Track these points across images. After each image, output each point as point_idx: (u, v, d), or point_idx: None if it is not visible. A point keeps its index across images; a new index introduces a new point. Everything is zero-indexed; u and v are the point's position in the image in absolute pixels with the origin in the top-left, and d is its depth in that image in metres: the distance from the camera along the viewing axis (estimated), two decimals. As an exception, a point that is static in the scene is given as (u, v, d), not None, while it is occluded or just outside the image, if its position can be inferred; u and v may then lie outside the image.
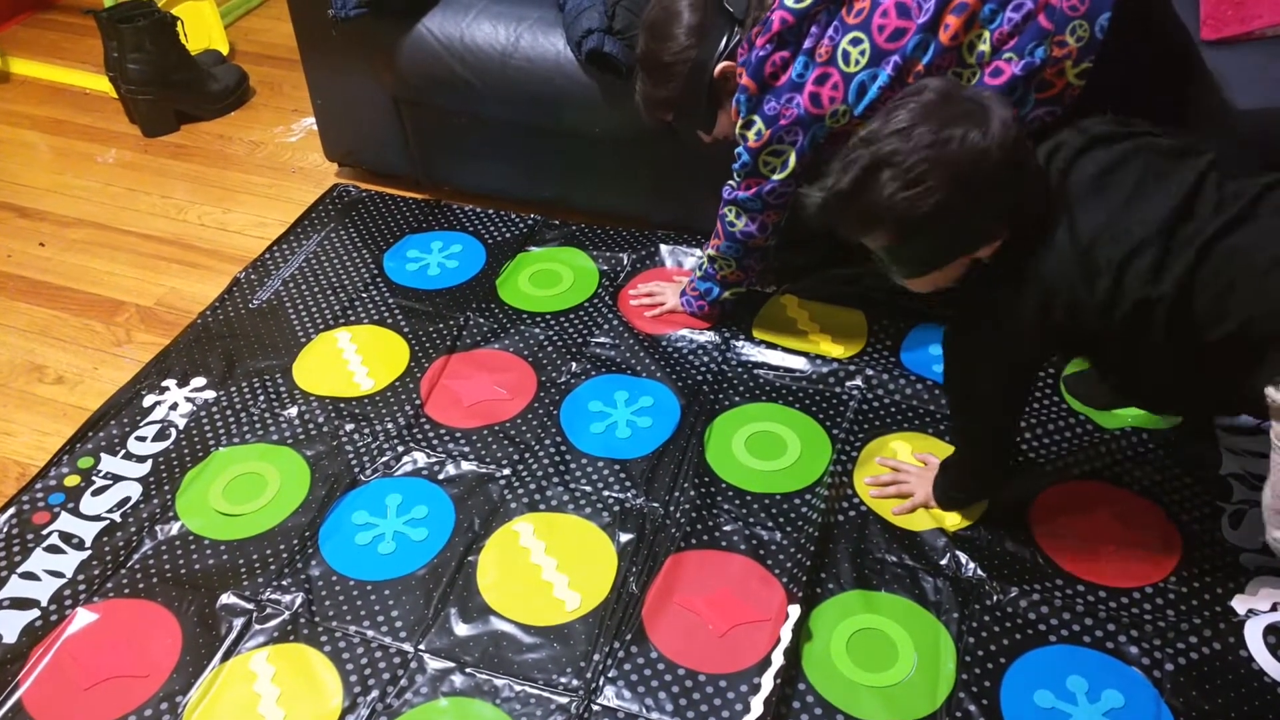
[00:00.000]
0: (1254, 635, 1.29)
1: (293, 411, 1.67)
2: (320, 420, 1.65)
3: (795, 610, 1.33)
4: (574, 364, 1.74)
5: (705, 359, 1.73)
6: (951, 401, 1.44)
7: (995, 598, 1.35)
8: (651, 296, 1.83)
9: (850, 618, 1.33)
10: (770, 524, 1.46)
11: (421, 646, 1.32)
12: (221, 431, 1.63)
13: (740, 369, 1.71)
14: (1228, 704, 1.23)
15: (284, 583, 1.40)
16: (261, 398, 1.69)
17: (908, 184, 1.09)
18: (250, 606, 1.37)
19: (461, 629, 1.34)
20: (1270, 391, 1.09)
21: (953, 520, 1.45)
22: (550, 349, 1.77)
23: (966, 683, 1.26)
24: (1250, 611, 1.32)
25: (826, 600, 1.35)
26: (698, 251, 1.92)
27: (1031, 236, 1.14)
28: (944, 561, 1.39)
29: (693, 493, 1.50)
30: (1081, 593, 1.36)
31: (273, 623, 1.35)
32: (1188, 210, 1.10)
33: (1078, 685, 1.25)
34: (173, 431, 1.64)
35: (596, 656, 1.30)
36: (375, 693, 1.27)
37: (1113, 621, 1.32)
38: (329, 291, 1.92)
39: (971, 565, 1.39)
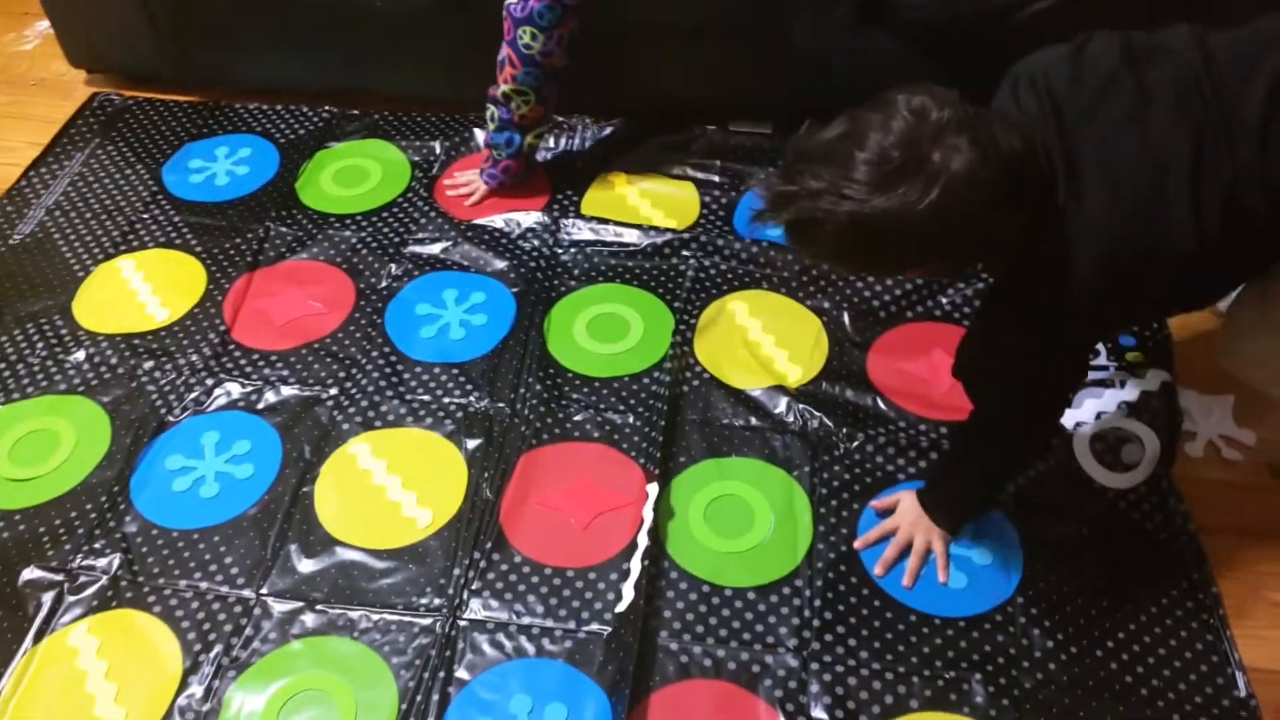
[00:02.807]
0: (1081, 446, 1.35)
1: (79, 355, 1.48)
2: (113, 361, 1.47)
3: (654, 489, 1.29)
4: (394, 266, 1.61)
5: (535, 243, 1.64)
6: (992, 400, 1.14)
7: (843, 447, 1.36)
8: (469, 185, 1.71)
9: (705, 487, 1.31)
10: (622, 407, 1.40)
11: (263, 591, 1.22)
12: (-4, 388, 1.44)
13: (573, 249, 1.62)
14: (1063, 513, 1.29)
15: (96, 545, 1.26)
16: (40, 344, 1.49)
17: (838, 249, 0.94)
18: (59, 578, 1.23)
19: (306, 565, 1.24)
20: None
21: (794, 378, 1.44)
22: (365, 253, 1.63)
23: (824, 533, 1.27)
24: (1077, 424, 1.37)
25: (681, 473, 1.33)
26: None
27: (1048, 208, 0.94)
28: (789, 419, 1.39)
29: (538, 387, 1.43)
30: (924, 431, 1.38)
31: (89, 591, 1.22)
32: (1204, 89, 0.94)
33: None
34: (-64, 396, 1.43)
35: (457, 571, 1.23)
36: (218, 648, 1.17)
37: (958, 455, 1.35)
38: (103, 216, 1.70)
39: (816, 418, 1.39)
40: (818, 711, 1.11)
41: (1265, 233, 0.96)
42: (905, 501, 1.26)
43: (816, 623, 1.19)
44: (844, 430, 1.37)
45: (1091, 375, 1.42)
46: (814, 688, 1.13)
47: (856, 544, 1.26)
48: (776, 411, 1.40)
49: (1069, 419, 1.37)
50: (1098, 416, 1.38)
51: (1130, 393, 1.39)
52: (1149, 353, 1.44)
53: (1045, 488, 1.31)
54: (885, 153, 0.87)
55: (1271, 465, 1.34)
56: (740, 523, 1.28)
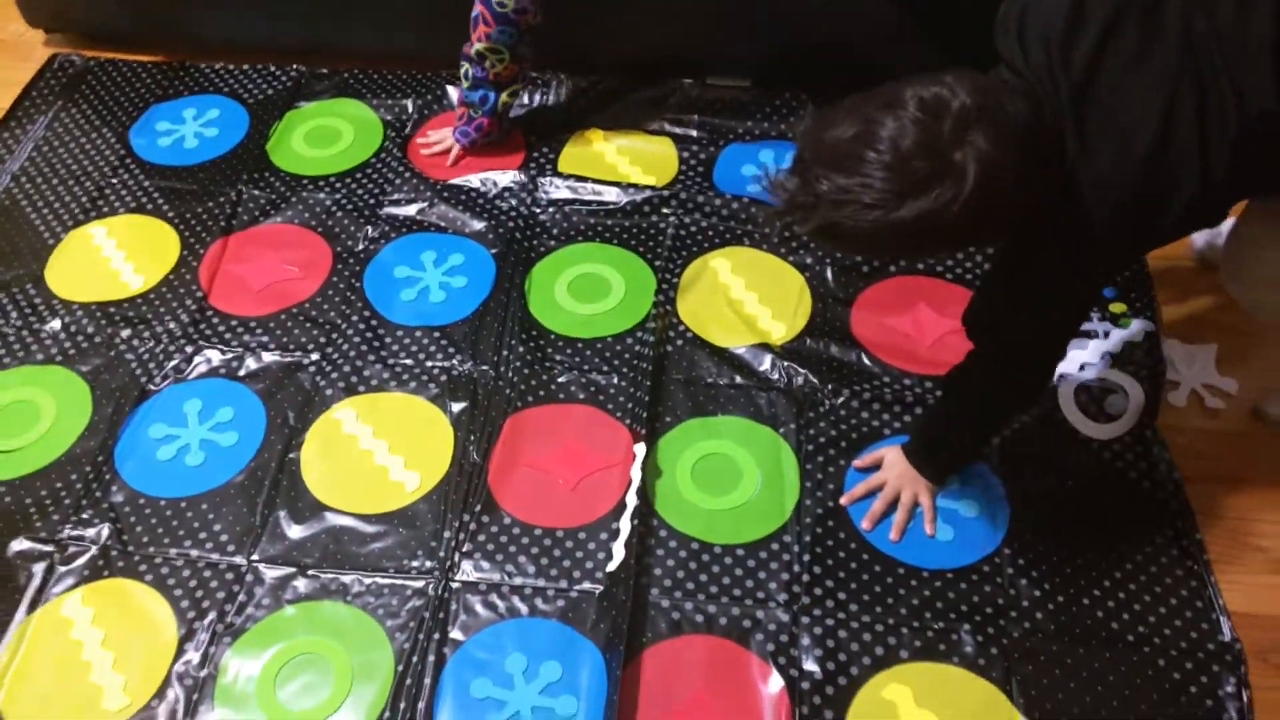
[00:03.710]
0: (1065, 398, 1.38)
1: (55, 325, 1.46)
2: (90, 330, 1.46)
3: (641, 449, 1.31)
4: (370, 228, 1.59)
5: (513, 203, 1.63)
6: (998, 349, 1.13)
7: (828, 403, 1.38)
8: (443, 143, 1.69)
9: (692, 446, 1.33)
10: (606, 368, 1.41)
11: (255, 557, 1.23)
12: (-28, 360, 1.42)
13: (551, 209, 1.62)
14: (1048, 465, 1.31)
15: (84, 516, 1.26)
16: (14, 314, 1.47)
17: (865, 248, 0.99)
18: (49, 549, 1.23)
19: (295, 531, 1.25)
20: None
21: (778, 335, 1.45)
22: (341, 215, 1.61)
23: (811, 489, 1.29)
24: (1061, 376, 1.39)
25: (667, 433, 1.34)
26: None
27: (1059, 164, 0.94)
28: (774, 376, 1.40)
29: (521, 349, 1.43)
30: (909, 386, 1.40)
31: (80, 561, 1.22)
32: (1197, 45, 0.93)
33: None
34: (-90, 369, 1.41)
35: (447, 534, 1.24)
36: (212, 615, 1.18)
37: (942, 408, 1.37)
38: (71, 182, 1.66)
39: (801, 375, 1.40)
40: (809, 664, 1.14)
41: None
42: (890, 456, 1.28)
43: (806, 577, 1.21)
44: (829, 386, 1.39)
45: None
46: (805, 640, 1.16)
47: (843, 499, 1.28)
48: (761, 369, 1.41)
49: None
50: (1081, 368, 1.40)
51: (1114, 343, 1.41)
52: (1132, 303, 1.46)
53: (1030, 439, 1.33)
54: (905, 158, 0.85)
55: (1256, 409, 1.36)
56: (728, 481, 1.30)
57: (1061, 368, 1.39)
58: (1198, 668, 1.14)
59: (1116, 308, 1.46)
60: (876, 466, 1.30)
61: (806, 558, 1.23)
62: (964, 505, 1.27)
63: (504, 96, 1.61)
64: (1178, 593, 1.20)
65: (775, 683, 1.13)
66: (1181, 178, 0.92)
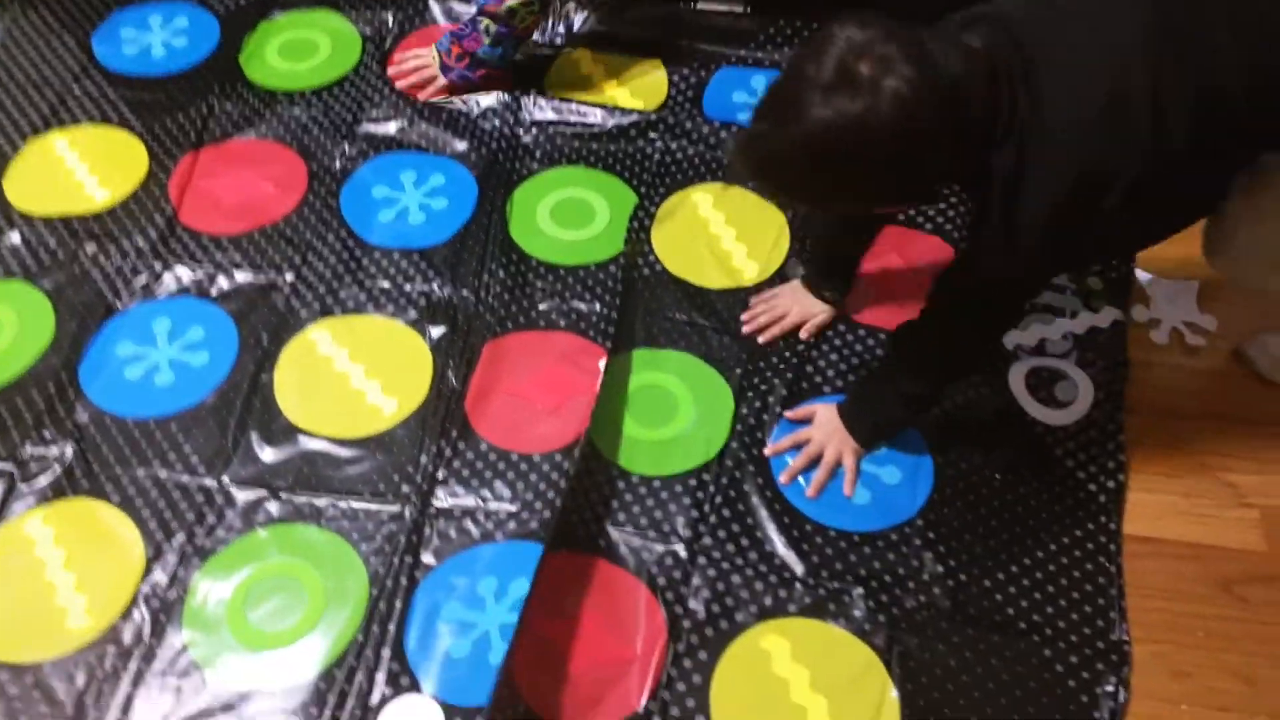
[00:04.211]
0: (1016, 376, 1.31)
1: (14, 238, 1.41)
2: (52, 245, 1.40)
3: (602, 365, 1.28)
4: (347, 146, 1.54)
5: (496, 123, 1.57)
6: (946, 314, 1.12)
7: (778, 355, 1.32)
8: (419, 72, 1.59)
9: (635, 374, 1.30)
10: (588, 295, 1.38)
11: (225, 479, 1.20)
12: (-73, 273, 1.37)
13: (535, 130, 1.56)
14: (984, 443, 1.25)
15: (45, 434, 1.22)
16: (-30, 226, 1.42)
17: (798, 180, 0.95)
18: (9, 467, 1.19)
19: (268, 454, 1.22)
20: None
21: (750, 274, 1.40)
22: (317, 131, 1.55)
23: (740, 433, 1.25)
24: (1018, 347, 1.34)
25: (614, 357, 1.30)
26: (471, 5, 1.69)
27: (1008, 122, 0.92)
28: (731, 318, 1.35)
29: (502, 274, 1.39)
30: (862, 337, 1.34)
31: (42, 481, 1.19)
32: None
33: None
34: None
35: (424, 459, 1.21)
36: (181, 536, 1.15)
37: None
38: (29, 89, 1.59)
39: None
40: (694, 604, 1.12)
41: (1246, 121, 0.95)
42: (822, 414, 1.24)
43: (713, 519, 1.18)
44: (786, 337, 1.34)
45: (1044, 298, 1.38)
46: (696, 580, 1.14)
47: (767, 450, 1.24)
48: (720, 310, 1.36)
49: (1009, 340, 1.34)
50: (1041, 343, 1.34)
51: (1079, 325, 1.36)
52: (1109, 284, 1.40)
53: (972, 413, 1.28)
54: (820, 76, 0.87)
55: (1238, 351, 1.34)
56: (663, 414, 1.27)
57: (1019, 339, 1.34)
58: (1083, 663, 1.10)
59: (1092, 282, 1.39)
60: (809, 420, 1.26)
61: (718, 499, 1.20)
62: (887, 471, 1.23)
63: (519, 46, 1.54)
64: (1082, 587, 1.15)
65: (658, 615, 1.11)
66: (1133, 144, 0.91)
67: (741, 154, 0.97)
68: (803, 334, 1.32)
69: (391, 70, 1.61)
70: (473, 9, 1.57)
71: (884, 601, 1.13)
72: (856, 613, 1.12)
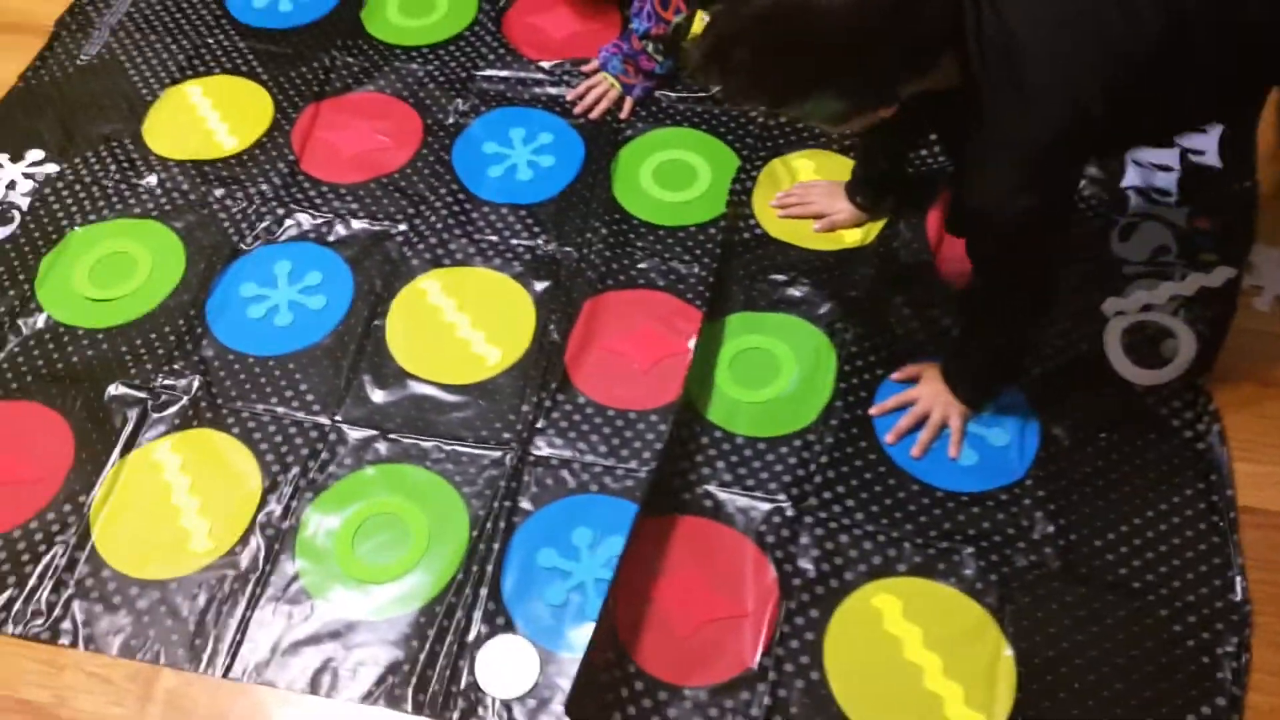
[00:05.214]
0: (1113, 336, 1.29)
1: (151, 180, 1.49)
2: (185, 188, 1.48)
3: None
4: (460, 101, 1.58)
5: (604, 85, 1.59)
6: (989, 252, 1.09)
7: (885, 311, 1.33)
8: (607, 96, 1.55)
9: (735, 339, 1.31)
10: (687, 257, 1.39)
11: (338, 417, 1.26)
12: (74, 209, 1.46)
13: (641, 92, 1.58)
14: (1089, 404, 1.24)
15: (176, 366, 1.30)
16: (113, 167, 1.50)
17: (753, 69, 0.93)
18: (143, 395, 1.28)
19: (378, 396, 1.27)
20: None
21: (850, 240, 1.40)
22: (432, 86, 1.60)
23: (844, 391, 1.26)
24: (1118, 313, 1.31)
25: (715, 321, 1.32)
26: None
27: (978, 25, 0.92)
28: (830, 278, 1.35)
29: (604, 232, 1.42)
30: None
31: (171, 410, 1.27)
32: None
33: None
34: (16, 214, 1.45)
35: (525, 408, 1.26)
36: (295, 469, 1.22)
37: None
38: (168, 39, 1.67)
39: (864, 278, 1.36)
40: (804, 562, 1.13)
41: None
42: (928, 374, 1.24)
43: (819, 479, 1.19)
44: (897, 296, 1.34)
45: (1148, 268, 1.34)
46: (804, 539, 1.15)
47: (873, 410, 1.24)
48: (822, 271, 1.37)
49: (1109, 306, 1.31)
50: (1145, 308, 1.31)
51: (1188, 286, 1.32)
52: (1226, 253, 1.35)
53: (1072, 374, 1.27)
54: None
55: None
56: (765, 375, 1.28)
57: (1120, 305, 1.31)
58: (1201, 623, 1.08)
59: (1207, 258, 1.35)
60: (915, 380, 1.25)
61: (824, 459, 1.21)
62: (994, 433, 1.22)
63: None
64: (1196, 547, 1.14)
65: (769, 573, 1.13)
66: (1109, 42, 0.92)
67: (699, 41, 0.96)
68: (815, 226, 1.40)
69: (577, 110, 1.56)
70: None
71: (995, 561, 1.13)
72: (967, 572, 1.13)
